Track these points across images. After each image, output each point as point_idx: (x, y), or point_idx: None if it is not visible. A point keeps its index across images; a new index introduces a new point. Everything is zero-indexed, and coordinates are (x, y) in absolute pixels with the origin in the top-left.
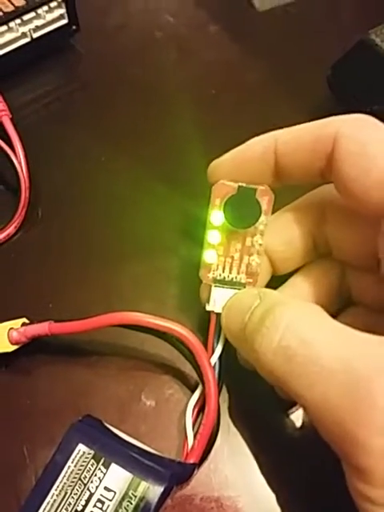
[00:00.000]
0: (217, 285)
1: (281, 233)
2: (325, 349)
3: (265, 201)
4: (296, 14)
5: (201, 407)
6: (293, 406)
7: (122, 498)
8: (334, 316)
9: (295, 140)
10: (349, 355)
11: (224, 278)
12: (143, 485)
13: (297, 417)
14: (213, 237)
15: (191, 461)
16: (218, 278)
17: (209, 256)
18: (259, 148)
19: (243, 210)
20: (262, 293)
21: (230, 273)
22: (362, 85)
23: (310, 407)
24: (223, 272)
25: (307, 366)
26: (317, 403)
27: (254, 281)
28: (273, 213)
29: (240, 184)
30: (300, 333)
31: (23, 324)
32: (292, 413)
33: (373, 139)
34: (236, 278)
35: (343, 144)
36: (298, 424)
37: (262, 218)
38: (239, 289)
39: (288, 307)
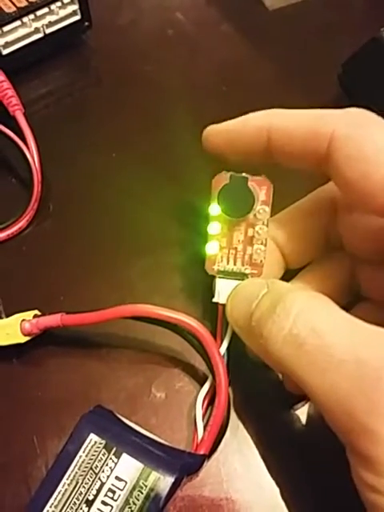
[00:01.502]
0: (221, 276)
1: (293, 227)
2: (335, 338)
3: (263, 190)
4: (307, 13)
5: (210, 399)
6: (301, 400)
7: (133, 488)
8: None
9: (289, 129)
10: (359, 346)
11: (228, 269)
12: (154, 475)
13: (305, 410)
14: (212, 228)
15: (201, 452)
16: (222, 269)
17: (210, 247)
18: (253, 127)
19: (237, 199)
20: (270, 282)
21: (235, 264)
22: (373, 82)
23: (319, 396)
24: (227, 264)
25: (317, 355)
26: (326, 392)
27: (258, 272)
28: (285, 207)
29: (232, 173)
30: (311, 321)
31: (35, 315)
32: (300, 407)
33: (371, 140)
34: (240, 269)
35: (341, 146)
36: (307, 417)
37: (259, 207)
38: (242, 278)
39: (299, 296)
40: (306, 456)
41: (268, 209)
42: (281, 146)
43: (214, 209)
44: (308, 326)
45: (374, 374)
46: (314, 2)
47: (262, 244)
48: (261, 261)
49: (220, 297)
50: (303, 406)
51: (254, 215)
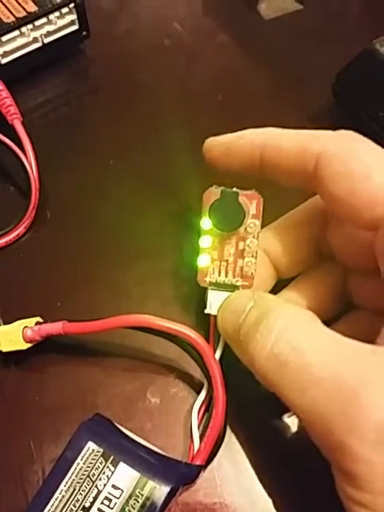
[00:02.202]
0: (213, 288)
1: (285, 237)
2: (315, 356)
3: (253, 204)
4: (302, 23)
5: (206, 408)
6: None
7: (129, 497)
8: (336, 319)
9: (282, 148)
10: (338, 363)
11: (220, 281)
12: (150, 484)
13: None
14: (204, 241)
15: (197, 462)
16: (214, 281)
17: (202, 260)
18: (248, 143)
19: (227, 214)
20: (256, 295)
21: (226, 276)
22: (366, 93)
23: (301, 413)
24: (219, 276)
25: (298, 373)
26: (307, 410)
27: (249, 284)
28: (277, 218)
29: (222, 188)
30: (292, 340)
31: (37, 322)
32: (294, 415)
33: (357, 158)
34: (231, 281)
35: (328, 163)
36: (300, 425)
37: (250, 220)
38: (232, 290)
39: (281, 313)
40: (300, 463)
41: (258, 222)
42: (272, 163)
43: (206, 223)
44: (289, 344)
45: (350, 390)
46: (310, 12)
47: (252, 256)
48: (251, 273)
49: (212, 308)
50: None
51: (245, 229)
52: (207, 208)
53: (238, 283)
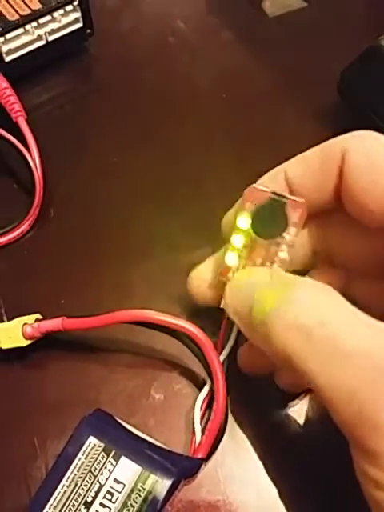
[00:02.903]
0: None
1: None
2: (343, 330)
3: (297, 212)
4: (306, 20)
5: (208, 403)
6: (296, 398)
7: (131, 491)
8: None
9: (304, 165)
10: (368, 339)
11: None
12: (152, 478)
13: (302, 412)
14: (237, 240)
15: (199, 456)
16: None
17: (230, 258)
18: (270, 185)
19: (270, 221)
20: (273, 271)
21: None
22: (370, 91)
23: (324, 388)
24: None
25: (324, 346)
26: (332, 385)
27: None
28: None
29: (271, 194)
30: (319, 312)
31: (37, 319)
32: (297, 408)
33: (378, 150)
34: None
35: (350, 158)
36: (303, 419)
37: (291, 230)
38: None
39: (305, 285)
40: (304, 458)
41: (296, 231)
42: (301, 188)
43: (244, 222)
44: (316, 316)
45: (381, 365)
46: (314, 9)
47: (281, 264)
48: None
49: None
50: (298, 403)
51: (283, 237)
52: (249, 207)
53: None
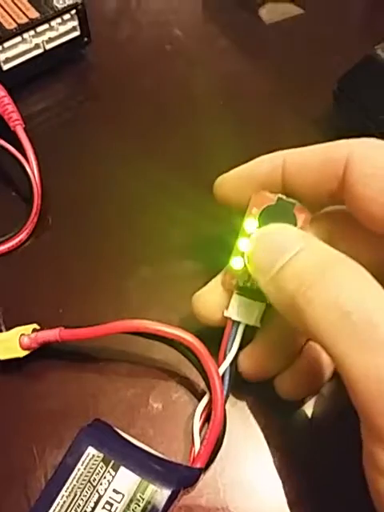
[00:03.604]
0: (239, 292)
1: None
2: (382, 316)
3: (301, 218)
4: (303, 27)
5: (208, 413)
6: (295, 406)
7: (130, 501)
8: None
9: (304, 160)
10: None
11: (248, 287)
12: (151, 488)
13: (301, 420)
14: (244, 244)
15: (197, 465)
16: (242, 285)
17: (236, 262)
18: (267, 166)
19: (278, 221)
20: (307, 237)
21: (256, 283)
22: (367, 99)
23: (353, 370)
24: (248, 281)
25: (362, 330)
26: (363, 369)
27: None
28: None
29: (279, 196)
30: (360, 295)
31: (34, 330)
32: (296, 416)
33: None
34: (260, 289)
35: (357, 166)
36: (303, 427)
37: None
38: (261, 301)
39: (347, 264)
40: (303, 467)
41: None
42: (296, 178)
43: (251, 226)
44: (357, 298)
45: None
46: (311, 16)
47: None
48: None
49: (232, 312)
50: (297, 411)
51: None
52: (255, 212)
53: None
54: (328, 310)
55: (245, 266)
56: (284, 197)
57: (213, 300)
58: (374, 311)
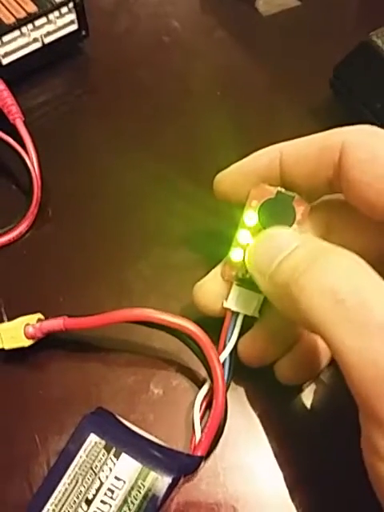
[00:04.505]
0: (238, 284)
1: None
2: (377, 302)
3: (300, 210)
4: (300, 18)
5: (209, 401)
6: (295, 391)
7: (131, 488)
8: None
9: (300, 151)
10: None
11: (247, 278)
12: (152, 475)
13: (301, 405)
14: (243, 236)
15: (198, 453)
16: (241, 276)
17: (235, 254)
18: (264, 159)
19: (278, 215)
20: (304, 236)
21: None
22: (363, 86)
23: (348, 355)
24: (247, 273)
25: (357, 315)
26: (358, 353)
27: None
28: None
29: (279, 189)
30: (354, 281)
31: (39, 319)
32: (296, 400)
33: (381, 145)
34: None
35: (352, 152)
36: (302, 414)
37: (294, 226)
38: (259, 292)
39: (343, 254)
40: (303, 452)
41: (300, 227)
42: (294, 169)
43: (251, 219)
44: (351, 283)
45: None
46: (307, 7)
47: None
48: None
49: (232, 303)
50: (297, 396)
51: None
52: (255, 204)
53: None
54: (321, 296)
55: (243, 258)
56: (283, 190)
57: (213, 290)
58: (368, 295)
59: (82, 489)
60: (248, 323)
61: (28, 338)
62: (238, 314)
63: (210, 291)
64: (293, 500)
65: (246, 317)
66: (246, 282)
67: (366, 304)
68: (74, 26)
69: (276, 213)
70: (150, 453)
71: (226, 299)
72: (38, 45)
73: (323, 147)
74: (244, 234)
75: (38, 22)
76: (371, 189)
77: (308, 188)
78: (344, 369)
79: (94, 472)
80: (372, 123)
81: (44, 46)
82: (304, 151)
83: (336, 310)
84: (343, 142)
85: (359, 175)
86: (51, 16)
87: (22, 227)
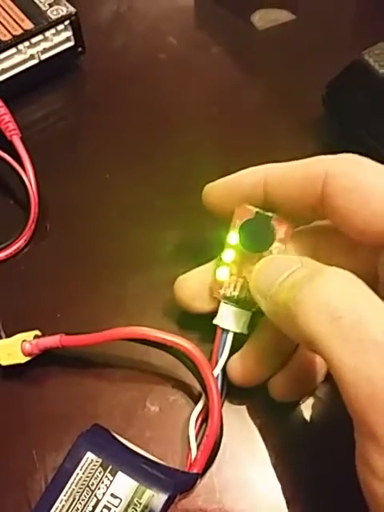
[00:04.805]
0: (225, 301)
1: None
2: (374, 319)
3: (282, 229)
4: (295, 33)
5: (204, 417)
6: (292, 409)
7: (128, 505)
8: None
9: (284, 176)
10: None
11: (234, 296)
12: (148, 493)
13: (296, 421)
14: (227, 255)
15: (194, 470)
16: (228, 295)
17: (220, 273)
18: (250, 179)
19: (257, 235)
20: (304, 259)
21: (241, 293)
22: (355, 104)
23: (345, 372)
24: (234, 291)
25: (352, 332)
26: (354, 370)
27: None
28: None
29: (257, 210)
30: (351, 298)
31: (36, 336)
32: (291, 417)
33: (364, 173)
34: (245, 298)
35: (335, 182)
36: (298, 428)
37: (277, 245)
38: (247, 309)
39: (338, 272)
40: (299, 468)
41: (284, 247)
42: (277, 193)
43: (233, 238)
44: (348, 301)
45: None
46: (302, 22)
47: None
48: None
49: (221, 320)
50: (292, 412)
51: (270, 251)
52: (238, 224)
53: (251, 301)
54: (318, 313)
55: (230, 275)
56: (260, 211)
57: (193, 288)
58: (364, 312)
59: (79, 506)
60: (240, 339)
61: (25, 354)
62: (227, 331)
63: (191, 288)
64: None
65: (236, 333)
66: (234, 300)
67: (362, 321)
68: (71, 43)
69: (255, 233)
70: (146, 470)
71: (216, 316)
72: (34, 61)
73: (306, 175)
74: (228, 253)
75: (34, 39)
76: (357, 216)
77: (292, 211)
78: (340, 385)
79: (90, 489)
80: (366, 141)
81: (40, 62)
82: (287, 176)
83: (332, 327)
84: (326, 171)
85: (344, 203)
86: (47, 33)
87: (20, 243)
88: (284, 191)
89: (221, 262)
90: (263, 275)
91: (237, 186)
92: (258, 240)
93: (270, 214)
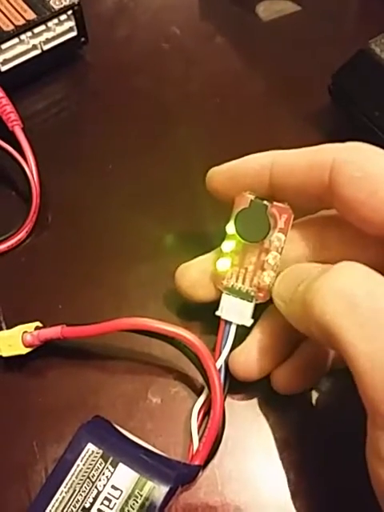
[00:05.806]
0: (227, 292)
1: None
2: None
3: (283, 218)
4: (299, 24)
5: (206, 410)
6: (295, 402)
7: (129, 497)
8: None
9: (290, 164)
10: None
11: (235, 287)
12: (149, 484)
13: (299, 413)
14: (227, 246)
15: (196, 462)
16: (230, 286)
17: (220, 264)
18: (255, 165)
19: (253, 224)
20: (324, 266)
21: (243, 284)
22: (361, 93)
23: (361, 360)
24: (236, 282)
25: (370, 319)
26: (371, 357)
27: (264, 295)
28: None
29: (253, 198)
30: (368, 285)
31: (37, 327)
32: (294, 410)
33: (372, 162)
34: (247, 290)
35: (343, 170)
36: (302, 422)
37: (275, 234)
38: (249, 301)
39: (355, 264)
40: (301, 458)
41: (284, 237)
42: (283, 181)
43: (231, 228)
44: (365, 288)
45: None
46: (307, 13)
47: (272, 270)
48: (268, 285)
49: (223, 311)
50: (295, 404)
51: (270, 241)
52: (235, 213)
53: (253, 293)
54: (335, 300)
55: (232, 266)
56: (257, 199)
57: (195, 276)
58: (381, 300)
59: (80, 498)
60: (243, 331)
61: (26, 345)
62: (230, 323)
63: (192, 277)
64: (292, 508)
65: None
66: (235, 291)
67: (380, 309)
68: (73, 33)
69: (250, 222)
70: (147, 462)
71: (218, 308)
72: (37, 52)
73: (313, 163)
74: (228, 243)
75: (36, 30)
76: (365, 205)
77: (298, 199)
78: (355, 373)
79: (91, 481)
80: (369, 129)
81: (43, 52)
82: (294, 164)
83: (349, 315)
84: (333, 159)
85: (352, 192)
86: (50, 23)
87: (21, 234)
88: (290, 178)
89: (221, 252)
90: (284, 283)
91: (241, 172)
92: (254, 229)
93: (266, 202)
